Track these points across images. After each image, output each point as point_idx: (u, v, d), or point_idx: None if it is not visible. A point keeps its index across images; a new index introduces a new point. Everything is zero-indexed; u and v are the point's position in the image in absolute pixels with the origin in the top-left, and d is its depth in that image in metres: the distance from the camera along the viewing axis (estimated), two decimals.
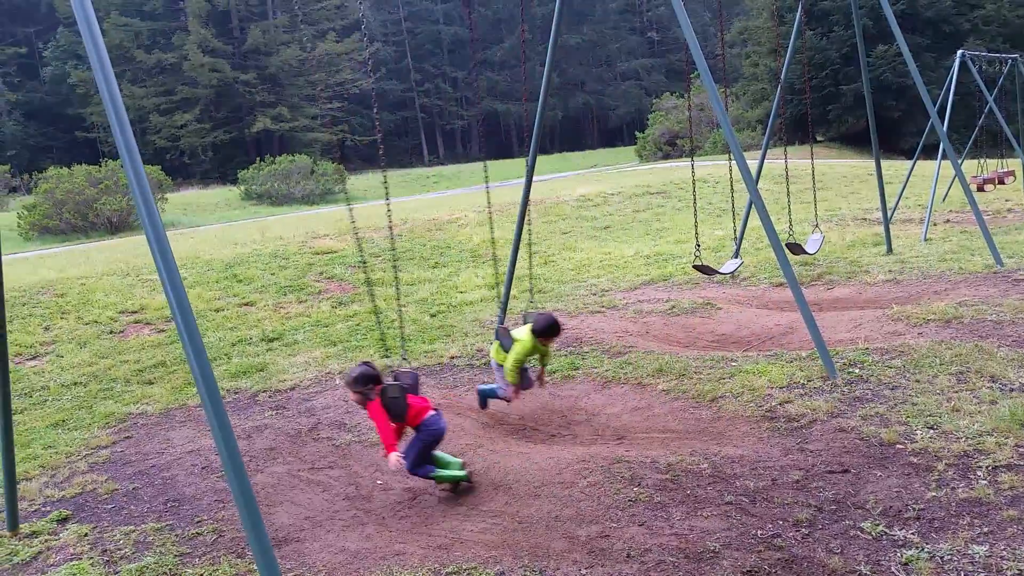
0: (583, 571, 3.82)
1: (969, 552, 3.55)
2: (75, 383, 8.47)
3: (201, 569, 4.37)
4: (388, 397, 4.80)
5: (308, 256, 13.38)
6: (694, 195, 8.34)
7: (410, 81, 65.60)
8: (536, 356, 6.03)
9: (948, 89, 13.49)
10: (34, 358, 9.35)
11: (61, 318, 10.48)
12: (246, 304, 11.09)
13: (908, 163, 17.75)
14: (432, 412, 5.05)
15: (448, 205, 19.79)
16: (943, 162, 12.90)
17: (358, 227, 14.72)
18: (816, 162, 17.98)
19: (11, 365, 9.14)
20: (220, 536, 4.82)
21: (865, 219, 15.11)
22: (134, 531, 4.94)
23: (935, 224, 13.53)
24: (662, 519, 4.26)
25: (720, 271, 8.24)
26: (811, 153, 10.95)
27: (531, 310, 6.27)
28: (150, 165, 31.51)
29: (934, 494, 4.13)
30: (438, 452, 5.15)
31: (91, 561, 4.58)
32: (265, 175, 33.52)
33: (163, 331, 10.06)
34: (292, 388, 7.73)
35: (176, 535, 4.85)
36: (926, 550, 3.60)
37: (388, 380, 4.92)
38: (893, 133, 36.64)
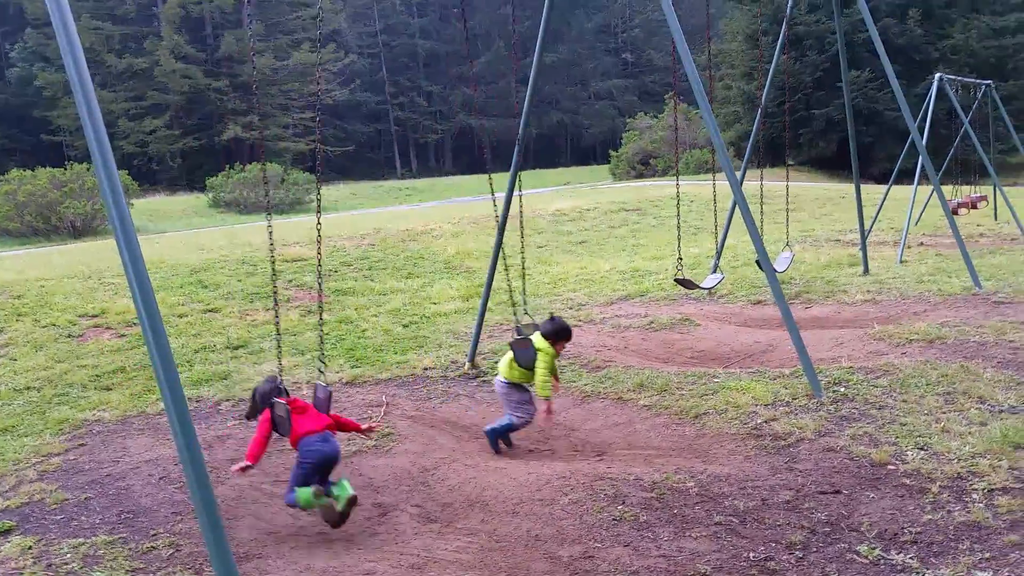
0: None
1: None
2: (28, 387, 8.07)
3: None
4: (275, 414, 4.71)
5: (277, 263, 13.02)
6: (678, 209, 8.21)
7: (384, 93, 65.36)
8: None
9: (925, 114, 13.58)
10: None
11: (17, 320, 10.05)
12: (211, 310, 10.73)
13: (879, 187, 17.89)
14: (318, 434, 4.68)
15: (422, 216, 19.54)
16: (918, 187, 12.96)
17: (329, 236, 14.34)
18: (789, 184, 18.06)
19: None
20: (177, 551, 4.51)
21: (839, 240, 15.14)
22: (83, 544, 4.62)
23: (909, 247, 13.56)
24: (648, 539, 4.05)
25: (701, 286, 8.10)
26: (787, 173, 10.91)
27: (522, 324, 5.88)
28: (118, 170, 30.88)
29: (930, 517, 3.97)
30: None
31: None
32: (234, 183, 33.01)
33: (124, 336, 9.68)
34: None
35: (129, 549, 4.54)
36: (927, 573, 3.43)
37: (291, 395, 4.88)
38: (863, 158, 37.01)
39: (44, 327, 9.84)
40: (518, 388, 5.70)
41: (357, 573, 4.06)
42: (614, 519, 4.31)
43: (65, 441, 6.56)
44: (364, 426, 5.23)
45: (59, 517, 5.08)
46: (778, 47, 10.90)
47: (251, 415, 4.90)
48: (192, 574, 4.20)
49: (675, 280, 7.75)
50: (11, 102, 50.68)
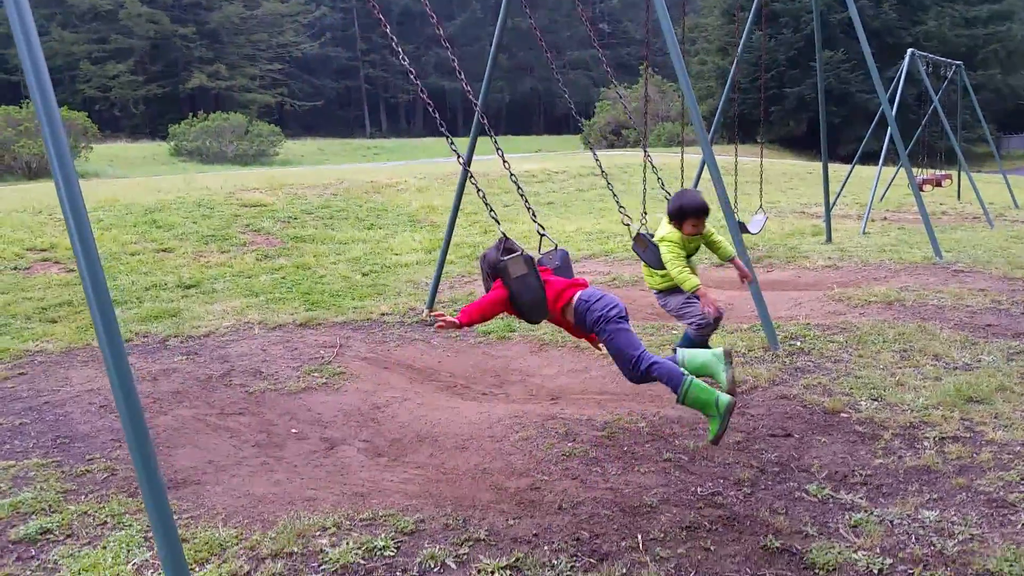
0: (511, 521, 3.52)
1: (919, 517, 3.37)
2: None
3: (86, 506, 3.91)
4: (511, 274, 3.63)
5: (235, 207, 12.74)
6: (644, 173, 8.08)
7: (355, 50, 64.21)
8: (697, 251, 4.70)
9: (895, 92, 13.60)
10: None
11: None
12: (164, 250, 10.45)
13: (846, 167, 17.98)
14: (583, 290, 3.81)
15: (388, 172, 19.23)
16: (883, 167, 13.02)
17: (291, 184, 14.06)
18: (756, 159, 18.09)
19: None
20: (112, 475, 4.35)
21: (804, 212, 15.21)
22: (13, 466, 4.43)
23: (873, 220, 13.66)
24: (597, 474, 3.99)
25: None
26: (760, 141, 10.85)
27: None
28: (77, 111, 29.93)
29: (881, 461, 3.96)
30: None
31: None
32: (197, 131, 32.21)
33: (72, 270, 9.38)
34: (206, 335, 7.23)
35: (63, 471, 4.37)
36: (875, 514, 3.41)
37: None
38: (832, 139, 37.27)
39: None
40: (670, 293, 4.83)
41: (297, 499, 3.94)
42: (563, 455, 4.24)
43: (5, 370, 6.32)
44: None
45: None
46: (748, 21, 10.75)
47: (491, 273, 3.88)
48: (125, 496, 4.05)
49: (634, 239, 7.37)
50: None
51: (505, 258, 3.67)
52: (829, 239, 11.43)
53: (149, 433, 2.83)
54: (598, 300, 3.72)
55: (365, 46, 64.56)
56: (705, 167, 9.18)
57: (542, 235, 4.17)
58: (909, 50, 13.31)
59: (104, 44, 47.14)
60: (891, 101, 13.60)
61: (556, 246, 4.25)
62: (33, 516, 3.81)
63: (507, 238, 3.81)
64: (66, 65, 45.85)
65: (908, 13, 38.77)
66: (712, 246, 4.85)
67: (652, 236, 4.74)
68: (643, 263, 4.82)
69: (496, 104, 68.57)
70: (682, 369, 3.54)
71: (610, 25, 77.32)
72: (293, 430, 5.14)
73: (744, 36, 11.06)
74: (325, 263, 10.20)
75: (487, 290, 3.89)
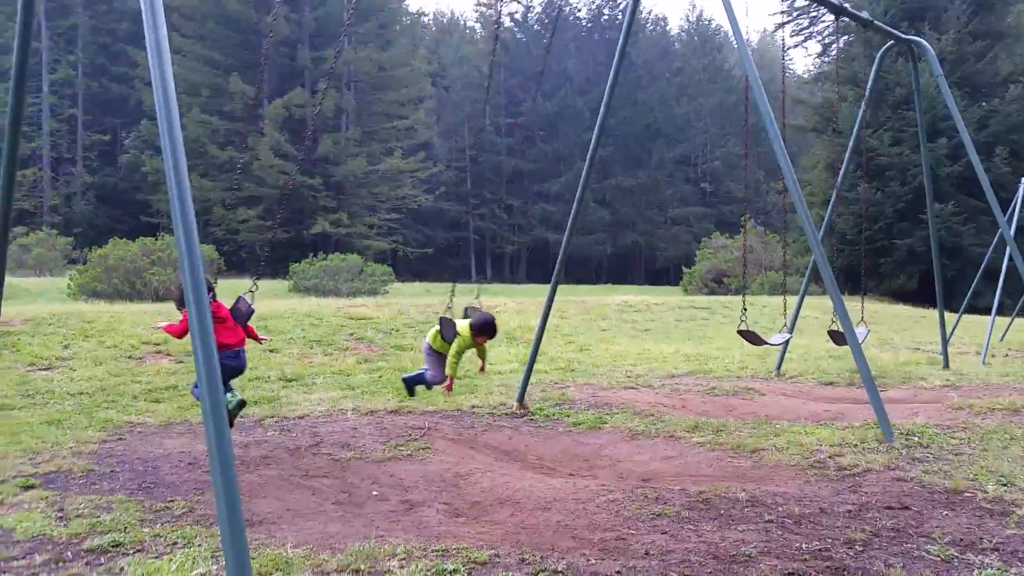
0: (592, 560, 3.24)
1: None
2: (81, 393, 8.13)
3: (160, 530, 3.86)
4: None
5: (342, 319, 13.13)
6: (743, 263, 7.96)
7: (468, 204, 67.30)
8: (474, 349, 6.20)
9: (1011, 217, 13.11)
10: (47, 369, 9.07)
11: (84, 339, 10.27)
12: (271, 351, 10.77)
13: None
14: (232, 349, 5.03)
15: (490, 294, 19.56)
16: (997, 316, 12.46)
17: (396, 302, 14.34)
18: (867, 304, 17.53)
19: (21, 372, 8.92)
20: (190, 512, 4.32)
21: (919, 349, 14.42)
22: (99, 499, 4.47)
23: (993, 355, 12.81)
24: (690, 530, 3.67)
25: (769, 341, 7.68)
26: (861, 250, 10.50)
27: (473, 305, 6.32)
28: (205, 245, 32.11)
29: (1015, 532, 3.50)
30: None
31: (43, 514, 4.10)
32: (316, 270, 33.88)
33: (182, 363, 9.75)
34: (301, 417, 7.28)
35: (143, 506, 4.37)
36: (1012, 572, 2.97)
37: (215, 298, 4.94)
38: (946, 292, 35.92)
39: (107, 348, 10.01)
40: (437, 354, 6.20)
41: (372, 537, 3.77)
42: (653, 514, 3.95)
43: (107, 436, 6.50)
44: (261, 336, 5.70)
45: (82, 482, 4.97)
46: (844, 165, 10.53)
47: (179, 305, 5.19)
48: (200, 527, 3.98)
49: (738, 332, 7.35)
50: (119, 185, 54.07)
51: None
52: (947, 366, 10.73)
53: (233, 455, 2.82)
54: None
55: (476, 201, 67.66)
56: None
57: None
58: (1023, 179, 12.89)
59: (237, 191, 51.04)
60: (1008, 221, 13.09)
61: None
62: (108, 533, 3.78)
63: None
64: (201, 210, 49.79)
65: (1020, 164, 37.86)
66: (481, 353, 6.35)
67: (455, 324, 5.97)
68: (440, 329, 6.01)
69: (598, 256, 69.62)
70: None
71: (712, 184, 78.66)
72: (374, 492, 5.01)
73: (840, 179, 10.74)
74: (421, 367, 10.25)
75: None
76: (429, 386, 6.42)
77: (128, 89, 55.24)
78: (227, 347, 4.97)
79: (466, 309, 6.36)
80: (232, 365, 5.05)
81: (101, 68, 55.86)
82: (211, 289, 5.02)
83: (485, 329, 6.02)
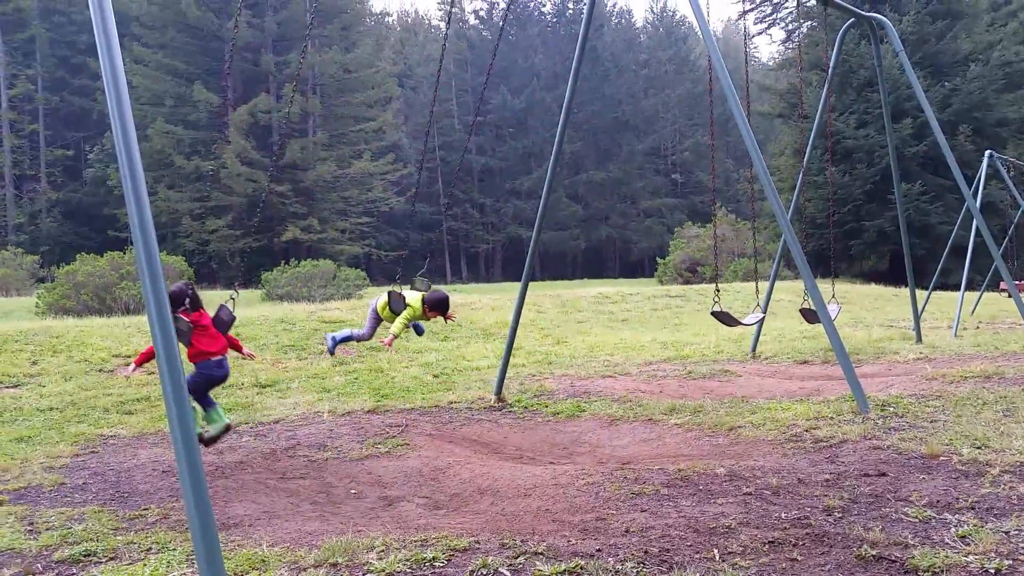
0: (572, 540, 3.22)
1: None
2: (51, 408, 7.98)
3: (133, 537, 3.78)
4: (177, 326, 4.64)
5: (315, 323, 13.02)
6: (715, 247, 7.98)
7: (439, 204, 67.18)
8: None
9: (976, 189, 13.28)
10: (15, 386, 8.90)
11: (52, 355, 10.09)
12: (243, 358, 10.63)
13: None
14: (215, 358, 5.07)
15: (463, 294, 19.52)
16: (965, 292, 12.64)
17: (369, 305, 14.27)
18: (838, 285, 17.70)
19: None
20: (164, 518, 4.24)
21: (891, 326, 14.57)
22: (70, 512, 4.37)
23: (964, 328, 12.98)
24: (669, 507, 3.66)
25: (742, 322, 7.71)
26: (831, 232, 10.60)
27: (422, 277, 6.50)
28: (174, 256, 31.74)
29: (990, 491, 3.52)
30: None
31: (11, 528, 4.01)
32: (288, 278, 33.61)
33: (153, 373, 9.60)
34: (276, 421, 7.21)
35: (116, 516, 4.28)
36: (987, 527, 2.99)
37: (200, 307, 5.06)
38: (916, 271, 36.37)
39: (77, 362, 9.84)
40: (378, 320, 6.48)
41: (348, 532, 3.72)
42: (632, 493, 3.94)
43: (79, 450, 6.38)
44: (245, 350, 5.67)
45: (53, 495, 4.86)
46: (808, 148, 10.62)
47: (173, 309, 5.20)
48: (175, 532, 3.91)
49: (712, 313, 7.37)
50: (85, 201, 53.27)
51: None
52: (920, 340, 10.86)
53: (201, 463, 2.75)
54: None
55: (447, 200, 67.49)
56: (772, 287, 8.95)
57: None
58: (987, 152, 13.07)
59: (205, 201, 50.47)
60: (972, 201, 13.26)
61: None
62: (80, 543, 3.70)
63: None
64: (170, 222, 49.23)
65: (983, 144, 38.47)
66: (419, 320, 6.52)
67: (404, 297, 6.23)
68: (389, 301, 6.20)
69: (572, 251, 69.75)
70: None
71: (683, 175, 79.06)
72: (352, 490, 4.96)
73: (805, 161, 10.80)
74: (398, 367, 10.19)
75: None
76: (357, 341, 6.72)
77: (90, 102, 54.49)
78: (210, 355, 5.00)
79: (413, 279, 6.56)
80: (218, 375, 5.13)
81: (61, 81, 54.90)
82: (196, 299, 5.07)
83: (437, 305, 6.27)
